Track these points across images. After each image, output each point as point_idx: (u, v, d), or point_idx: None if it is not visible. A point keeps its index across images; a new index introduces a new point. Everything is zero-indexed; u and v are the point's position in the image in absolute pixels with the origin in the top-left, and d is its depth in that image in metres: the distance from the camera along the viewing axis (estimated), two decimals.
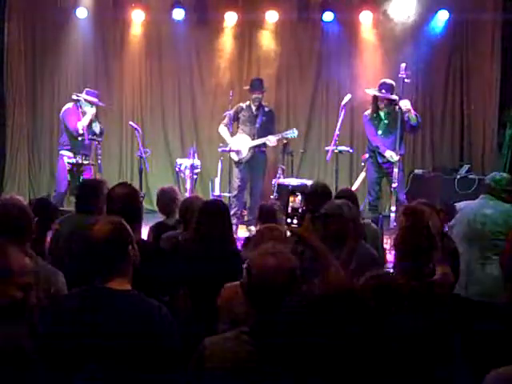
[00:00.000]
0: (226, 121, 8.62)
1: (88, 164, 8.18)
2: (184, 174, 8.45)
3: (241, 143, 8.46)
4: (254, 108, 8.50)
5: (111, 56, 10.00)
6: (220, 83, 9.82)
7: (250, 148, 8.45)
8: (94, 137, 8.06)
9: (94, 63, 9.94)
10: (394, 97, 7.60)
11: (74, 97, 8.05)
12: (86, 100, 8.00)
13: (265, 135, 8.44)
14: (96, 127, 8.12)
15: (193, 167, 8.32)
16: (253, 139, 8.46)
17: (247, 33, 9.90)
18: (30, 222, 3.20)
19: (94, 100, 8.07)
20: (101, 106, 8.44)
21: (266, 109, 8.61)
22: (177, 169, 8.57)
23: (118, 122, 10.07)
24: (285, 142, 8.80)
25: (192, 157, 8.30)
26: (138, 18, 9.73)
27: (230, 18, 9.70)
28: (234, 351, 2.35)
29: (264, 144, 8.48)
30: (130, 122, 8.79)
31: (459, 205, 5.31)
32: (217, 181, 8.51)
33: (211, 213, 4.02)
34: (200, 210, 4.08)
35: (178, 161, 8.65)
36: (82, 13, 9.54)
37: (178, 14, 9.50)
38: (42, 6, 9.67)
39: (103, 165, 8.26)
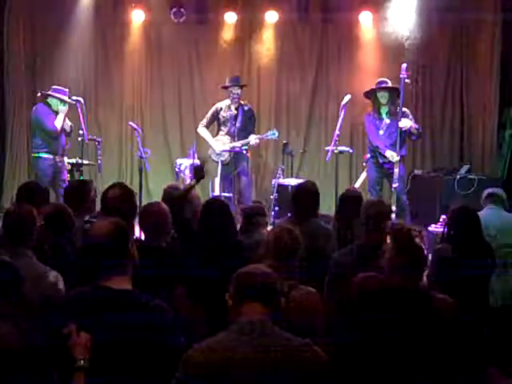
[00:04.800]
0: (204, 121, 8.59)
1: (88, 164, 8.17)
2: (184, 173, 8.44)
3: (222, 145, 8.39)
4: (233, 107, 8.44)
5: (111, 56, 9.99)
6: (220, 83, 9.79)
7: (232, 149, 8.36)
8: (95, 137, 8.03)
9: (94, 63, 9.93)
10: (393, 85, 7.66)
11: (75, 98, 7.94)
12: (56, 97, 7.77)
13: (245, 135, 8.38)
14: (66, 125, 7.90)
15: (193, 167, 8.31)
16: (233, 140, 8.40)
17: (247, 33, 9.89)
18: (32, 228, 3.31)
19: (65, 98, 7.83)
20: (96, 105, 8.38)
21: (246, 107, 8.53)
22: (177, 169, 8.57)
23: (118, 122, 10.06)
24: (284, 141, 8.81)
25: (192, 157, 8.30)
26: (138, 18, 9.72)
27: (230, 18, 9.69)
28: (221, 349, 2.38)
29: (246, 145, 8.37)
30: (130, 122, 8.77)
31: None
32: (216, 181, 8.49)
33: (213, 211, 4.08)
34: (202, 209, 4.13)
35: (178, 161, 8.64)
36: (82, 13, 9.54)
37: (178, 14, 9.50)
38: (42, 6, 9.66)
39: (103, 165, 8.27)
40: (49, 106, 7.85)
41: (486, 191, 5.56)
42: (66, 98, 7.82)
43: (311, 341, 2.49)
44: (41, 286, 3.23)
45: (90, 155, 8.80)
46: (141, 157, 8.20)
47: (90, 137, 8.00)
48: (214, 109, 8.54)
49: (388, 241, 3.08)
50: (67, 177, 7.88)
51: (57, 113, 7.77)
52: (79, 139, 7.89)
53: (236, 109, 8.43)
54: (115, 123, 10.05)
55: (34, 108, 8.05)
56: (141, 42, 9.90)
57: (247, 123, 8.48)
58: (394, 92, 7.71)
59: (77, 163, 7.94)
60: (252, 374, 2.34)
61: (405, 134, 7.69)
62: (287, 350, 2.39)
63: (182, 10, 9.46)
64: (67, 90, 8.08)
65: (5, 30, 9.65)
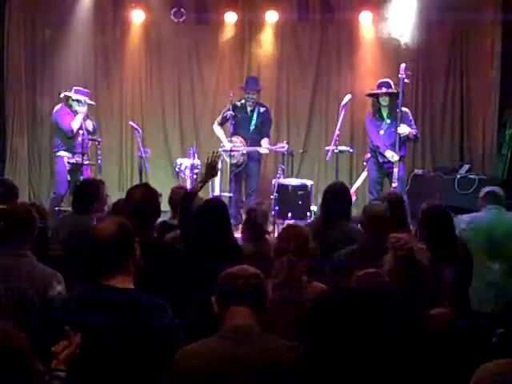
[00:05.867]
0: (219, 119, 8.57)
1: (88, 164, 8.18)
2: (184, 173, 8.44)
3: (235, 147, 8.36)
4: (248, 109, 8.41)
5: (111, 56, 9.99)
6: (220, 83, 9.82)
7: (243, 154, 8.37)
8: (90, 136, 8.07)
9: (94, 63, 9.93)
10: (394, 90, 7.67)
11: (76, 94, 8.01)
12: (75, 99, 7.95)
13: (259, 138, 8.36)
14: (89, 125, 8.09)
15: (193, 167, 8.32)
16: (246, 142, 8.37)
17: (247, 33, 9.90)
18: (32, 228, 3.32)
19: (84, 98, 8.00)
20: (96, 105, 8.45)
21: (262, 109, 8.49)
22: (177, 169, 8.57)
23: (117, 121, 10.06)
24: (285, 141, 8.80)
25: (192, 157, 8.30)
26: (138, 18, 9.72)
27: (230, 18, 9.69)
28: (206, 354, 2.36)
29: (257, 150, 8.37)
30: (130, 122, 8.80)
31: (465, 218, 5.02)
32: (217, 181, 8.50)
33: (209, 212, 4.06)
34: (198, 209, 4.10)
35: (178, 161, 8.64)
36: (82, 13, 9.55)
37: (178, 14, 9.50)
38: (42, 6, 9.66)
39: (103, 165, 8.27)
40: (70, 106, 8.05)
41: (485, 190, 5.21)
42: (81, 98, 7.98)
43: (298, 343, 2.47)
44: (41, 286, 3.23)
45: (90, 155, 8.80)
46: (141, 156, 8.22)
47: (89, 137, 8.03)
48: (228, 107, 8.45)
49: (388, 255, 3.05)
50: (67, 177, 7.94)
51: (77, 113, 7.95)
52: (79, 138, 7.92)
53: (251, 110, 8.40)
54: (115, 123, 10.05)
55: (54, 110, 8.23)
56: (141, 41, 9.90)
57: (262, 126, 8.44)
58: (395, 95, 7.73)
59: (77, 163, 7.95)
60: (238, 379, 2.31)
61: (403, 138, 7.72)
62: (273, 354, 2.36)
63: (182, 9, 9.47)
64: (87, 90, 8.24)
65: (5, 29, 9.66)
